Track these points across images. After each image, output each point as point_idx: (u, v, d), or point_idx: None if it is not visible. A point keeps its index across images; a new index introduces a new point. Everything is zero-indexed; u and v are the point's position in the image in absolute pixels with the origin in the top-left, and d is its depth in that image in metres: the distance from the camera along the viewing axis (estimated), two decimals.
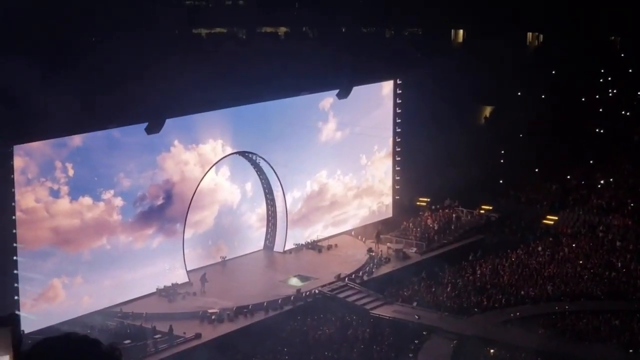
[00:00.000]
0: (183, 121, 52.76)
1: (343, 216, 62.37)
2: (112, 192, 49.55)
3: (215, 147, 54.12)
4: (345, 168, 62.08)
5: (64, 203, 47.52)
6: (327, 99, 60.07)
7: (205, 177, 53.82)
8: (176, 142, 52.35)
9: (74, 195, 47.78)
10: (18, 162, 45.54)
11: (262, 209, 58.93)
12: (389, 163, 64.57)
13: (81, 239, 48.62)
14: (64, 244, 47.90)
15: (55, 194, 47.16)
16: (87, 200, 48.39)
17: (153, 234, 51.81)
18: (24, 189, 45.95)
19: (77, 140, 48.31)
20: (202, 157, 53.62)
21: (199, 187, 53.36)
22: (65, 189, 47.40)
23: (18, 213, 45.35)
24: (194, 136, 53.26)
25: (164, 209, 52.16)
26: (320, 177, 60.83)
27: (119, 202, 49.88)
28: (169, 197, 52.30)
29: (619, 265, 56.04)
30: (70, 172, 47.50)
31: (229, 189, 56.92)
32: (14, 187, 45.11)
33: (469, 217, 64.31)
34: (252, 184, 58.12)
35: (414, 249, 59.39)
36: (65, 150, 47.85)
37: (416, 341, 47.67)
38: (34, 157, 46.71)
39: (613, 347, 45.87)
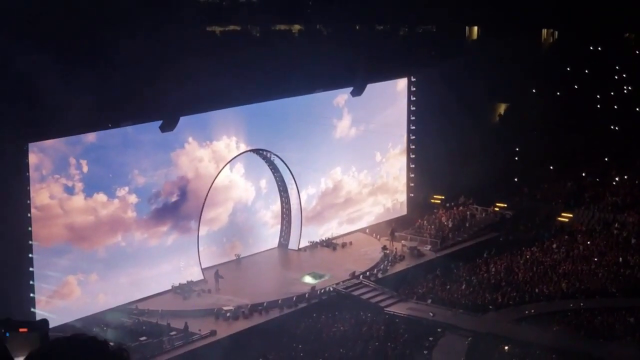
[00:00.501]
0: (197, 119, 52.89)
1: (357, 213, 62.39)
2: (126, 189, 49.67)
3: (229, 144, 54.18)
4: (359, 165, 62.09)
5: (79, 200, 47.64)
6: (342, 96, 60.08)
7: (219, 175, 53.88)
8: (190, 139, 52.44)
9: (89, 192, 47.89)
10: (32, 158, 45.64)
11: (276, 206, 58.97)
12: (403, 160, 64.54)
13: (96, 236, 48.74)
14: (78, 241, 48.02)
15: (70, 191, 47.29)
16: (101, 197, 48.52)
17: (168, 231, 51.91)
18: (38, 186, 46.06)
19: (91, 137, 48.44)
20: (217, 154, 53.68)
21: (213, 184, 53.41)
22: (79, 185, 47.53)
23: (32, 210, 45.49)
24: (208, 133, 53.35)
25: (178, 206, 52.25)
26: (335, 174, 60.84)
27: (133, 199, 50.00)
28: (183, 194, 52.39)
29: (635, 262, 55.84)
30: (85, 169, 47.62)
31: (244, 186, 56.97)
32: (29, 185, 45.27)
33: (484, 215, 64.18)
34: (267, 181, 58.16)
35: (429, 247, 59.34)
36: (80, 147, 47.93)
37: (431, 338, 47.62)
38: (48, 154, 46.83)
39: (628, 345, 45.75)
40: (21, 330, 4.07)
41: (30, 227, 45.06)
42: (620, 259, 56.35)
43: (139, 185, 50.27)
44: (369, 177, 62.88)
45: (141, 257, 50.35)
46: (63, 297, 46.93)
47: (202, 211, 52.93)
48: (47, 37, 48.22)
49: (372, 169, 63.01)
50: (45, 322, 4.57)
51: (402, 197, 64.84)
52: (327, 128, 59.44)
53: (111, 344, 5.13)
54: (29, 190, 45.25)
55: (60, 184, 46.95)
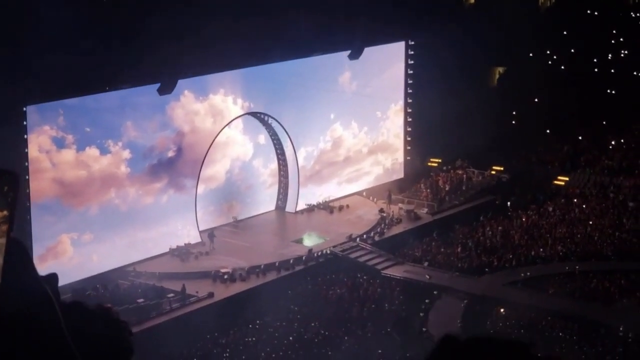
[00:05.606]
0: (194, 80, 52.63)
1: (356, 173, 62.24)
2: (119, 144, 49.14)
3: (225, 100, 53.93)
4: (360, 121, 61.94)
5: (69, 153, 47.10)
6: (343, 53, 59.94)
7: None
8: (186, 92, 52.13)
9: (80, 145, 47.33)
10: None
11: (274, 164, 58.86)
12: (402, 117, 64.46)
13: (88, 192, 48.21)
14: (70, 197, 47.47)
15: (60, 143, 46.67)
16: (93, 151, 47.93)
17: (163, 188, 51.50)
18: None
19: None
20: (213, 108, 53.31)
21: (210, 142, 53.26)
22: (69, 138, 46.96)
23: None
24: (204, 88, 53.11)
25: (174, 162, 51.80)
26: (335, 130, 60.64)
27: (127, 154, 49.57)
28: (179, 149, 51.96)
29: (630, 225, 56.06)
30: (75, 122, 47.20)
31: (241, 143, 56.75)
32: (27, 147, 45.02)
33: (480, 178, 64.32)
34: (265, 139, 57.93)
35: (425, 210, 59.48)
36: (69, 100, 47.42)
37: (427, 301, 47.92)
38: (37, 105, 46.31)
39: (623, 307, 46.03)
40: None
41: (28, 189, 44.53)
42: (616, 222, 56.63)
43: (132, 139, 49.77)
44: (370, 135, 62.77)
45: (137, 217, 50.02)
46: (56, 257, 46.44)
47: (200, 169, 52.82)
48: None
49: (373, 126, 62.85)
50: (54, 276, 4.58)
51: (402, 157, 64.74)
52: (327, 85, 59.06)
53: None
54: (27, 153, 44.99)
55: (49, 136, 46.41)
